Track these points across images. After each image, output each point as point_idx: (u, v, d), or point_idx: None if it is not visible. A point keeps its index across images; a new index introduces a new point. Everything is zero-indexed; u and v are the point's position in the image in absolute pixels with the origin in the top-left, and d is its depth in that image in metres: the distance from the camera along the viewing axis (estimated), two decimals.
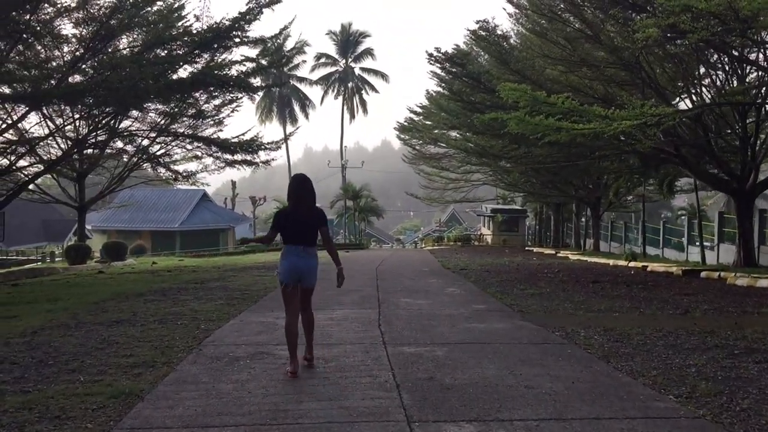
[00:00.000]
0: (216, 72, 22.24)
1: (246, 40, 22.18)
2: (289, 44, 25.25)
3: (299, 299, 6.35)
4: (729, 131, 19.32)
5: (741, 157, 18.65)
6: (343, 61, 65.35)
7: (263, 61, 24.19)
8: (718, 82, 18.60)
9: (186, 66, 22.46)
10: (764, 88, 17.11)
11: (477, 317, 9.30)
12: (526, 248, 41.09)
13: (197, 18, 21.05)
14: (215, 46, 21.81)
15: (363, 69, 65.79)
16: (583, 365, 6.27)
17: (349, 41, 64.31)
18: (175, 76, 21.71)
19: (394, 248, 58.90)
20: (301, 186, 6.23)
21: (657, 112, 13.58)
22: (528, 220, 53.35)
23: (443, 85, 27.70)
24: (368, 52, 65.44)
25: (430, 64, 19.56)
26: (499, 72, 18.92)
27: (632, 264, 22.12)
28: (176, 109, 25.21)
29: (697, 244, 26.28)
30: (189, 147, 25.69)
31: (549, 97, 13.82)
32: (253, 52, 24.18)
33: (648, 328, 8.24)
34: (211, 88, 23.04)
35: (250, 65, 23.30)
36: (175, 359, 6.70)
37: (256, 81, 24.67)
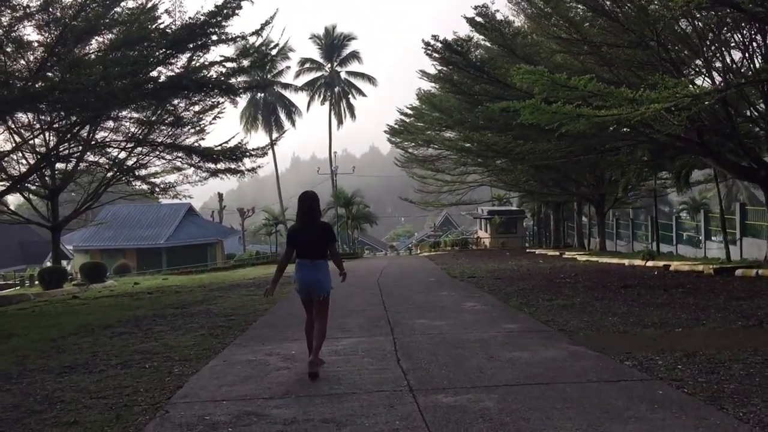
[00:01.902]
0: (194, 75, 20.48)
1: (224, 37, 20.39)
2: (273, 41, 23.37)
3: (315, 311, 6.73)
4: (753, 115, 17.68)
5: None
6: (329, 65, 63.53)
7: (244, 62, 22.40)
8: (744, 60, 16.98)
9: (161, 69, 20.70)
10: None
11: (515, 342, 7.56)
12: (527, 250, 39.46)
13: (168, 13, 19.17)
14: (191, 45, 20.03)
15: (349, 73, 63.99)
16: (693, 417, 4.55)
17: (333, 45, 62.49)
18: (150, 82, 19.96)
19: (389, 256, 57.13)
20: (307, 203, 6.67)
21: (692, 92, 11.92)
22: (526, 221, 51.77)
23: (439, 79, 26.04)
24: (354, 55, 63.65)
25: (427, 54, 17.89)
26: (504, 60, 17.25)
27: (651, 263, 20.50)
28: (153, 117, 23.41)
29: (713, 239, 24.74)
30: (168, 157, 23.84)
31: (569, 79, 12.14)
32: (232, 52, 22.45)
33: (737, 350, 6.54)
34: (189, 92, 21.22)
35: (230, 65, 21.53)
36: (131, 428, 4.93)
37: (238, 82, 22.88)
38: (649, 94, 12.06)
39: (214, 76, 21.66)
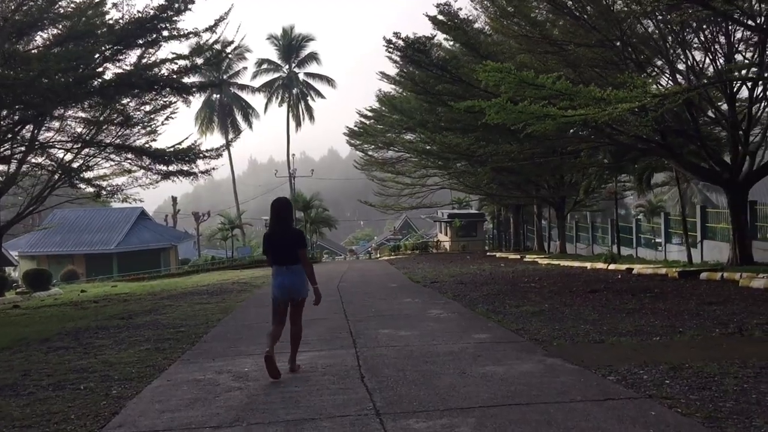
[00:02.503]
0: (144, 73, 19.56)
1: (176, 33, 19.58)
2: (228, 39, 22.50)
3: (290, 313, 6.85)
4: (716, 116, 17.63)
5: (731, 144, 16.97)
6: (287, 66, 62.55)
7: (198, 60, 21.52)
8: (706, 61, 16.90)
9: (109, 66, 19.71)
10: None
11: (487, 354, 7.03)
12: (487, 253, 39.27)
13: (116, 6, 18.23)
14: (140, 41, 19.13)
15: (308, 74, 63.11)
16: None
17: (292, 46, 61.55)
18: (96, 80, 18.99)
19: (349, 260, 56.47)
20: (277, 210, 6.78)
21: (660, 92, 11.64)
22: (485, 224, 51.68)
23: (399, 82, 25.55)
24: (313, 56, 62.81)
25: (388, 52, 17.34)
26: (467, 60, 16.82)
27: (613, 267, 20.32)
28: (101, 117, 22.30)
29: (674, 242, 24.77)
30: (117, 159, 22.73)
31: (537, 77, 11.73)
32: (186, 50, 21.55)
33: (725, 362, 6.11)
34: (139, 91, 20.26)
35: (182, 63, 20.64)
36: None
37: (191, 81, 21.98)
38: (617, 93, 11.75)
39: (166, 74, 20.77)
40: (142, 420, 5.16)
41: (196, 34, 20.24)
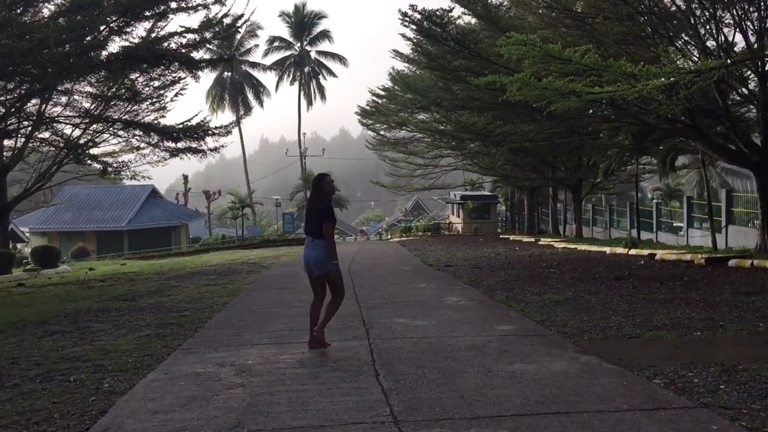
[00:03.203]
0: (152, 47, 18.93)
1: (185, 5, 18.94)
2: (239, 14, 21.79)
3: (327, 285, 6.87)
4: (745, 95, 16.78)
5: (763, 125, 16.14)
6: (298, 44, 61.64)
7: (207, 34, 20.85)
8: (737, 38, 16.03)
9: (116, 39, 19.10)
10: None
11: (513, 349, 6.43)
12: (500, 236, 38.58)
13: None
14: (147, 13, 18.48)
15: (320, 52, 62.23)
16: None
17: (303, 23, 60.58)
18: (101, 52, 18.40)
19: (359, 241, 55.96)
20: (314, 183, 6.95)
21: (696, 68, 10.88)
22: (498, 206, 50.94)
23: (413, 60, 24.75)
24: (325, 34, 61.84)
25: (404, 25, 16.57)
26: (486, 34, 16.05)
27: (634, 252, 19.64)
28: (108, 92, 21.74)
29: (696, 226, 24.01)
30: (124, 135, 22.19)
31: (564, 51, 11.00)
32: (194, 23, 20.92)
33: None
34: (146, 65, 19.65)
35: (191, 37, 20.00)
36: None
37: (201, 56, 21.39)
38: (649, 68, 11.00)
39: (174, 48, 20.15)
40: (130, 423, 4.59)
41: (206, 6, 19.56)
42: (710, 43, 16.55)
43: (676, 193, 47.67)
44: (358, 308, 9.52)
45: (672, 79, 10.99)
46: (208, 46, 22.78)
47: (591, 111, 17.93)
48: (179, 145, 21.65)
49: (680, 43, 15.33)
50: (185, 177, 58.33)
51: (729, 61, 12.50)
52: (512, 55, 11.40)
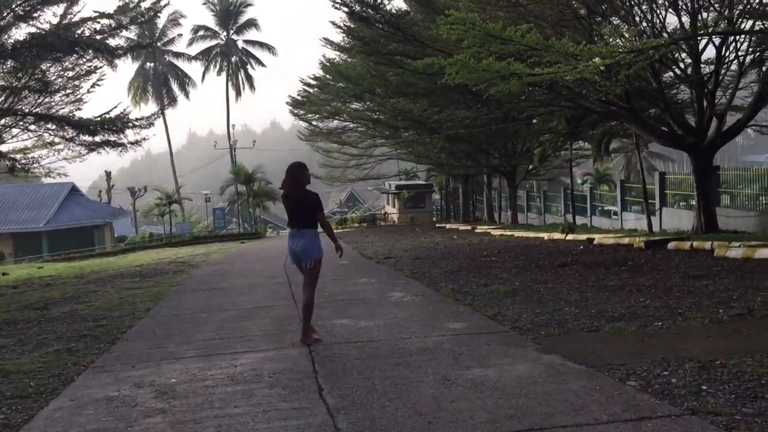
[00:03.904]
0: (63, 33, 17.56)
1: None
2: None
3: (303, 280, 6.79)
4: (680, 75, 16.78)
5: (697, 106, 16.18)
6: (224, 33, 59.75)
7: (123, 19, 19.55)
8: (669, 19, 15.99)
9: (21, 24, 17.65)
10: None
11: (469, 351, 5.84)
12: (437, 225, 38.37)
13: None
14: None
15: (247, 41, 60.52)
16: None
17: (229, 11, 58.73)
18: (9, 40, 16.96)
19: None
20: (291, 172, 6.68)
21: (637, 47, 10.57)
22: (434, 195, 50.83)
23: (346, 45, 23.98)
24: (252, 23, 60.10)
25: (335, 7, 15.76)
26: (420, 18, 15.46)
27: (571, 237, 19.54)
28: (17, 83, 20.11)
29: (631, 209, 24.22)
30: (35, 129, 20.59)
31: (504, 30, 10.50)
32: (110, 8, 19.53)
33: (759, 356, 5.08)
34: (58, 53, 18.23)
35: (106, 22, 18.69)
36: None
37: (118, 43, 20.04)
38: (592, 47, 10.64)
39: (88, 34, 18.81)
40: None
41: None
42: (643, 25, 16.51)
43: (605, 177, 48.64)
44: (297, 309, 8.77)
45: (614, 58, 10.67)
46: (126, 32, 21.46)
47: (527, 95, 17.62)
48: (97, 138, 20.25)
49: (616, 23, 15.11)
50: (108, 173, 55.81)
51: (669, 38, 12.29)
52: (451, 35, 10.83)
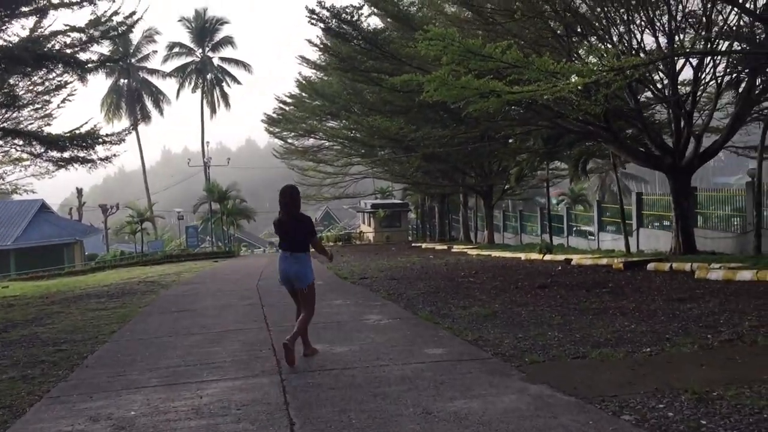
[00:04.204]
0: (31, 46, 17.07)
1: (67, 0, 17.20)
2: (133, 12, 20.03)
3: (300, 300, 6.85)
4: (658, 95, 16.77)
5: (675, 126, 16.17)
6: (200, 50, 59.26)
7: (95, 33, 19.09)
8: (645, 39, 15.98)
9: None
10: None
11: (451, 380, 5.51)
12: (412, 244, 38.13)
13: None
14: (24, 8, 16.65)
15: (223, 59, 60.03)
16: None
17: (205, 28, 58.30)
18: None
19: (269, 253, 54.28)
20: (285, 196, 6.79)
21: (619, 65, 10.45)
22: (409, 214, 50.62)
23: (322, 63, 23.75)
24: (228, 40, 59.72)
25: (312, 23, 15.47)
26: (398, 35, 15.28)
27: (549, 257, 19.41)
28: None
29: (607, 230, 24.17)
30: (0, 144, 19.95)
31: (484, 46, 10.31)
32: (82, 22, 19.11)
33: (756, 386, 4.82)
34: (26, 67, 17.71)
35: (76, 35, 18.25)
36: None
37: (89, 58, 19.55)
38: (572, 65, 10.49)
39: (58, 48, 18.33)
40: None
41: (91, 1, 17.83)
42: (621, 46, 16.50)
43: (580, 197, 48.87)
44: (268, 333, 8.39)
45: (594, 76, 10.52)
46: (98, 47, 21.00)
47: (505, 114, 17.49)
48: (65, 155, 19.66)
49: (594, 42, 15.05)
50: (79, 190, 54.79)
51: (648, 58, 12.21)
52: (429, 51, 10.61)
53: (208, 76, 59.33)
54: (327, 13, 14.96)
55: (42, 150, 20.70)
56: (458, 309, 9.84)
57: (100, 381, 6.24)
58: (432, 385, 5.37)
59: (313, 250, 6.97)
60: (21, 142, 20.52)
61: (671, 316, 8.25)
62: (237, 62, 60.36)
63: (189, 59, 59.39)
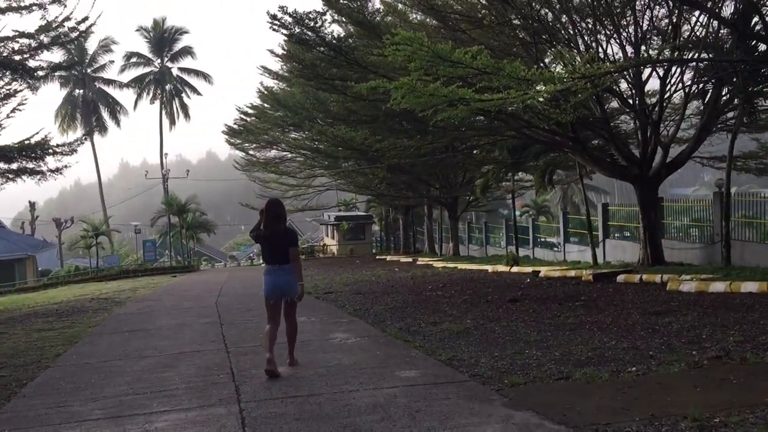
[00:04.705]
0: None
1: (15, 5, 16.42)
2: (86, 17, 19.19)
3: (283, 310, 6.97)
4: (625, 105, 16.67)
5: (642, 136, 16.06)
6: (159, 60, 58.09)
7: (45, 39, 18.28)
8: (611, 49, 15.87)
9: None
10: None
11: (428, 408, 5.03)
12: (377, 257, 37.63)
13: None
14: None
15: (182, 69, 58.94)
16: None
17: (164, 38, 57.20)
18: None
19: (230, 267, 53.24)
20: (272, 210, 6.93)
21: (592, 71, 10.17)
22: (373, 227, 50.14)
23: (284, 74, 23.22)
24: (187, 50, 58.69)
25: (274, 29, 14.87)
26: (362, 42, 14.86)
27: (516, 269, 19.11)
28: None
29: (572, 241, 24.05)
30: None
31: (453, 51, 9.94)
32: (29, 26, 18.27)
33: (759, 410, 4.45)
34: None
35: (25, 41, 17.43)
36: None
37: (40, 65, 18.69)
38: (543, 72, 10.19)
39: (6, 54, 17.50)
40: None
41: (42, 6, 17.06)
42: (587, 56, 16.36)
43: (543, 209, 49.07)
44: (227, 355, 7.81)
45: (566, 84, 10.24)
46: (48, 53, 20.16)
47: (471, 124, 17.21)
48: (13, 166, 18.71)
49: (562, 50, 14.86)
50: (32, 204, 53.13)
51: (618, 65, 12.00)
52: (397, 56, 10.20)
53: (167, 87, 58.17)
54: (289, 19, 14.44)
55: None
56: (428, 325, 9.39)
57: (36, 413, 5.61)
58: (407, 413, 4.89)
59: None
60: None
61: (651, 330, 7.92)
62: (197, 72, 59.40)
63: (147, 69, 58.23)
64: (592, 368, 6.10)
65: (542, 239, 27.68)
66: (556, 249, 25.36)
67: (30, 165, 18.61)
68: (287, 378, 6.34)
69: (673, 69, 14.99)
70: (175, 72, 58.99)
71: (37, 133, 19.76)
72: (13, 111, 21.11)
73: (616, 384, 5.49)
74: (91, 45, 54.12)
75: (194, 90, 59.43)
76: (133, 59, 57.46)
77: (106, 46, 55.68)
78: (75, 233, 59.07)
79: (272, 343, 6.59)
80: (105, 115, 56.76)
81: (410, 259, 30.20)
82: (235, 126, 37.48)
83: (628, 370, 5.99)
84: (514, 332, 8.40)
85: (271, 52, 30.01)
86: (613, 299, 11.12)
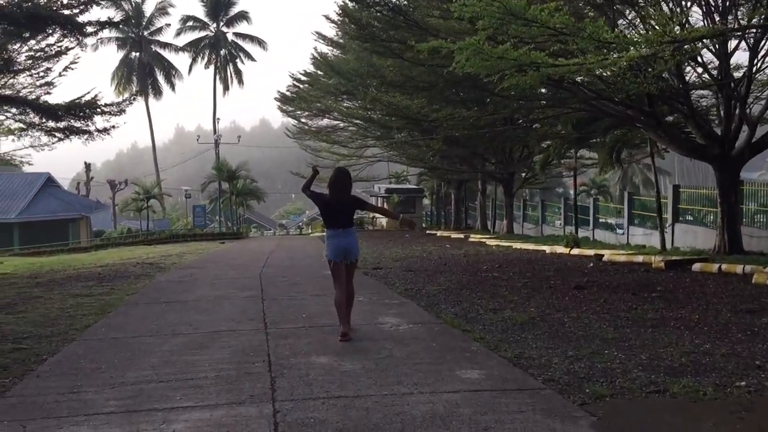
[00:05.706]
0: (22, 3, 15.79)
1: None
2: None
3: (345, 274, 7.07)
4: (708, 78, 15.23)
5: (725, 112, 14.64)
6: (214, 25, 57.83)
7: None
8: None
9: None
10: None
11: (497, 423, 4.15)
12: (427, 231, 36.73)
13: None
14: None
15: (237, 34, 58.60)
16: None
17: (220, 3, 56.75)
18: None
19: (278, 235, 53.14)
20: (340, 179, 7.12)
21: (684, 35, 8.94)
22: (424, 200, 49.20)
23: (339, 40, 22.28)
24: (242, 15, 58.25)
25: None
26: (423, 2, 13.82)
27: (576, 251, 17.96)
28: None
29: (636, 223, 22.69)
30: None
31: (529, 8, 8.84)
32: None
33: None
34: (17, 27, 16.42)
35: None
36: None
37: (90, 21, 18.21)
38: (628, 35, 9.02)
39: (54, 8, 17.04)
40: None
41: None
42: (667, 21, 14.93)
43: (602, 188, 47.30)
44: (265, 337, 7.05)
45: (653, 48, 9.05)
46: (99, 9, 19.67)
47: (536, 95, 16.02)
48: (61, 124, 18.38)
49: (649, 11, 13.52)
50: (87, 165, 53.77)
51: (715, 29, 10.70)
52: (465, 13, 9.15)
53: (222, 52, 57.94)
54: None
55: (37, 119, 19.45)
56: (488, 312, 8.48)
57: (45, 400, 4.93)
58: (474, 430, 4.02)
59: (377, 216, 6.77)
60: (16, 111, 19.27)
61: (749, 333, 6.86)
62: (252, 38, 58.98)
63: (203, 34, 58.08)
64: (690, 379, 5.12)
65: (603, 220, 26.30)
66: (618, 231, 24.02)
67: (77, 124, 18.27)
68: (331, 371, 5.53)
69: (764, 40, 13.51)
70: (230, 37, 58.71)
71: (88, 92, 19.42)
72: (65, 69, 20.79)
73: (728, 404, 4.51)
74: (148, 7, 54.20)
75: (248, 56, 59.13)
76: (189, 23, 57.34)
77: (162, 9, 55.65)
78: (129, 195, 59.93)
79: (341, 310, 6.83)
80: (160, 78, 56.97)
81: (461, 236, 29.23)
82: (288, 93, 36.90)
83: (736, 384, 4.98)
84: (586, 326, 7.42)
85: (326, 17, 29.21)
86: (693, 291, 9.99)
